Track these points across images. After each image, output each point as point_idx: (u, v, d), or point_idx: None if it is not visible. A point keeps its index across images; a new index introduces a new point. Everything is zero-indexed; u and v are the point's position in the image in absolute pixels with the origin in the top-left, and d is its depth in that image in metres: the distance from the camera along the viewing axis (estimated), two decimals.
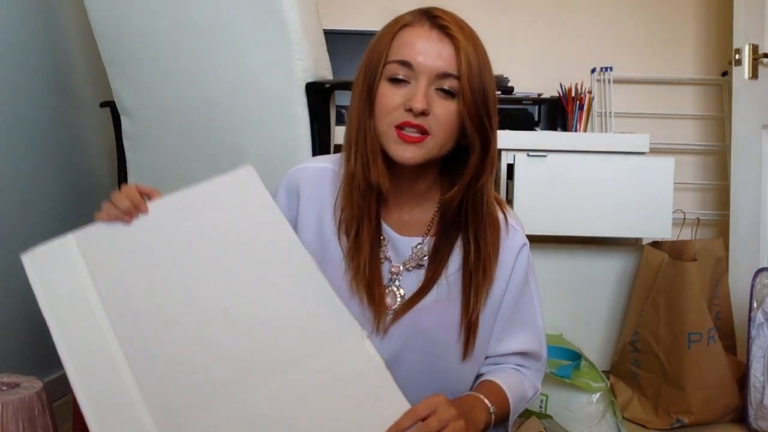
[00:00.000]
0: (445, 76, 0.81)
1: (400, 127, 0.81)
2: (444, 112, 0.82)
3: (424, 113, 0.80)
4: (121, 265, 0.81)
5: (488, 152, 0.85)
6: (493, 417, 0.86)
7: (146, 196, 0.86)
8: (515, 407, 0.92)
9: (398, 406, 0.76)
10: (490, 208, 0.89)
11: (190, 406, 0.73)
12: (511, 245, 0.92)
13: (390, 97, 0.82)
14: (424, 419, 0.74)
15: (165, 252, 0.83)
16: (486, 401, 0.86)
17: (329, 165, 0.94)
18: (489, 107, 0.83)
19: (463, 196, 0.86)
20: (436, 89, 0.82)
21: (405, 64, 0.82)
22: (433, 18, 0.84)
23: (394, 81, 0.83)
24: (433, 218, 0.91)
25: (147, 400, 0.72)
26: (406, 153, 0.82)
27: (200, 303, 0.80)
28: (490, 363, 0.95)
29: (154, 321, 0.78)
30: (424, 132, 0.82)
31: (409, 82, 0.82)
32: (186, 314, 0.79)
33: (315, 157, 0.98)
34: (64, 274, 0.80)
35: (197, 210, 0.87)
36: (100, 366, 0.74)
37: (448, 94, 0.82)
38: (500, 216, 0.92)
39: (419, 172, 0.89)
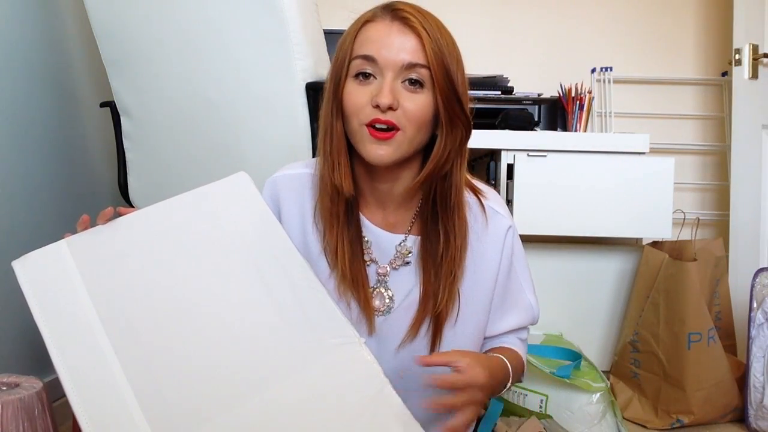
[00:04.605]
0: (410, 66, 0.80)
1: (370, 125, 0.80)
2: (413, 106, 0.81)
3: (391, 108, 0.79)
4: (114, 270, 0.81)
5: (458, 139, 0.84)
6: (508, 385, 0.89)
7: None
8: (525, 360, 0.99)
9: (397, 414, 0.75)
10: (459, 198, 0.88)
11: (187, 416, 0.72)
12: (496, 231, 0.91)
13: (356, 95, 0.81)
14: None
15: (158, 258, 0.83)
16: (508, 365, 0.89)
17: (308, 170, 0.93)
18: (459, 94, 0.83)
19: (433, 184, 0.86)
20: (403, 82, 0.81)
21: (368, 59, 0.81)
22: (394, 11, 0.83)
23: (360, 78, 0.82)
24: (414, 216, 0.91)
25: (144, 409, 0.72)
26: (379, 151, 0.81)
27: (195, 309, 0.79)
28: (488, 343, 0.97)
29: (149, 328, 0.77)
30: (394, 127, 0.80)
31: (375, 78, 0.81)
32: (180, 321, 0.78)
33: (292, 164, 0.96)
34: (57, 281, 0.79)
35: (191, 215, 0.87)
36: (96, 374, 0.73)
37: (416, 85, 0.81)
38: (474, 203, 0.91)
39: (398, 174, 0.88)
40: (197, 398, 0.73)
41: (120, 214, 0.86)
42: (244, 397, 0.74)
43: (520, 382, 1.01)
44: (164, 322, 0.78)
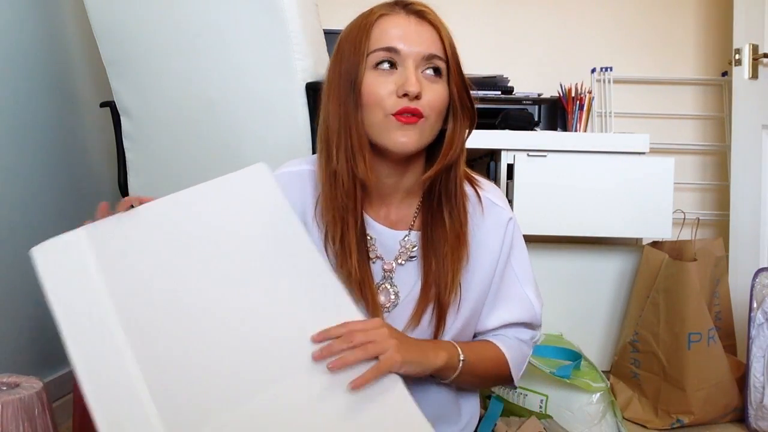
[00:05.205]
0: (431, 57, 0.83)
1: (398, 114, 0.82)
2: (434, 95, 0.83)
3: (417, 96, 0.81)
4: (131, 260, 0.80)
5: (466, 129, 0.88)
6: (461, 362, 0.86)
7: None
8: (515, 362, 0.94)
9: (409, 413, 0.76)
10: (462, 187, 0.89)
11: (199, 409, 0.72)
12: (496, 222, 0.92)
13: (380, 85, 0.82)
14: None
15: (176, 249, 0.82)
16: (456, 345, 0.87)
17: (308, 166, 0.93)
18: (467, 85, 0.87)
19: (438, 176, 0.87)
20: (423, 72, 0.83)
21: (391, 50, 0.83)
22: (407, 6, 0.86)
23: (381, 69, 0.83)
24: (417, 210, 0.92)
25: (156, 400, 0.71)
26: (403, 138, 0.82)
27: (211, 302, 0.79)
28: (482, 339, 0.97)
29: (165, 320, 0.77)
30: (420, 115, 0.82)
31: (396, 69, 0.83)
32: (197, 314, 0.78)
33: (292, 161, 0.96)
34: (74, 269, 0.78)
35: (210, 206, 0.87)
36: (109, 364, 0.73)
37: (436, 75, 0.84)
38: (471, 194, 0.91)
39: (406, 168, 0.89)
40: (209, 392, 0.73)
41: (140, 203, 0.85)
42: (255, 393, 0.74)
43: (512, 383, 0.97)
44: (180, 315, 0.78)
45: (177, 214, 0.85)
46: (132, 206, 0.83)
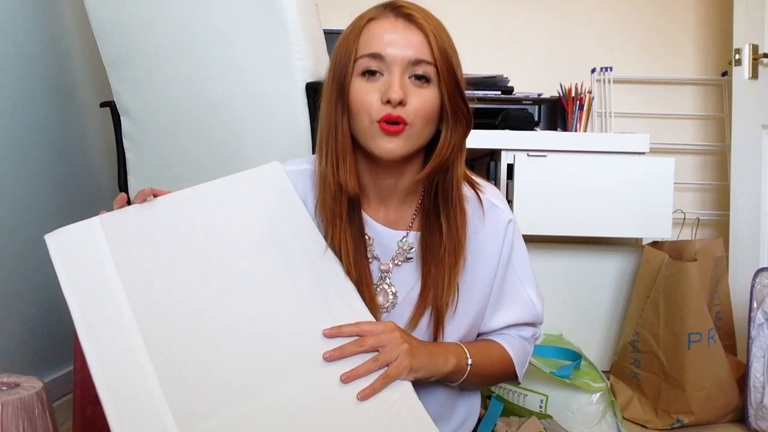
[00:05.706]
0: (417, 62, 0.82)
1: (381, 121, 0.81)
2: (420, 101, 0.82)
3: (401, 103, 0.80)
4: (145, 252, 0.81)
5: (460, 133, 0.86)
6: (469, 366, 0.87)
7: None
8: (519, 359, 0.95)
9: (414, 412, 0.76)
10: (459, 191, 0.89)
11: (208, 401, 0.73)
12: (495, 225, 0.92)
13: (365, 92, 0.82)
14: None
15: (190, 242, 0.83)
16: (464, 348, 0.88)
17: (308, 166, 0.94)
18: (461, 89, 0.85)
19: (435, 178, 0.87)
20: (409, 77, 0.82)
21: (376, 56, 0.82)
22: (397, 9, 0.84)
23: (367, 75, 0.83)
24: (416, 211, 0.92)
25: (165, 390, 0.72)
26: (389, 145, 0.81)
27: (224, 297, 0.80)
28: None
29: (176, 311, 0.78)
30: (404, 122, 0.81)
31: (383, 75, 0.82)
32: (208, 307, 0.79)
33: (293, 160, 0.97)
34: (88, 258, 0.79)
35: (225, 202, 0.87)
36: (120, 352, 0.74)
37: (423, 80, 0.82)
38: (472, 197, 0.91)
39: (402, 169, 0.89)
40: (219, 384, 0.74)
41: (156, 195, 0.86)
42: (265, 389, 0.74)
43: (517, 381, 0.98)
44: (191, 308, 0.78)
45: (192, 208, 0.86)
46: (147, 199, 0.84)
